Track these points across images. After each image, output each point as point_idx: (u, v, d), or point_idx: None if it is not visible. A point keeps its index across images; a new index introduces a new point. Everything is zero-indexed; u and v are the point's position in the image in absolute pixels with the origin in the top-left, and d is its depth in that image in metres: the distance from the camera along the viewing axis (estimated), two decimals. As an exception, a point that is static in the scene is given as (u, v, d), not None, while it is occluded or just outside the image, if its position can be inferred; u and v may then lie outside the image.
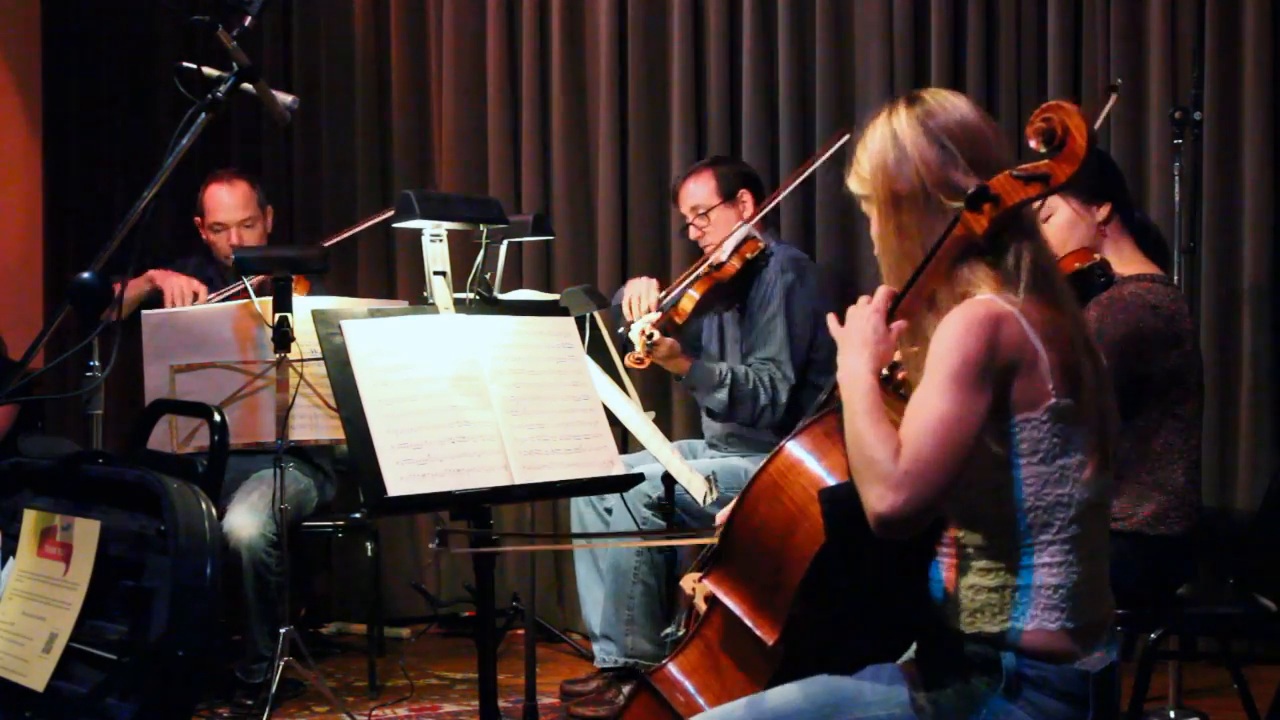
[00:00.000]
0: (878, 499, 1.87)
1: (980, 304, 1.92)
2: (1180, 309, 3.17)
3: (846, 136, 4.02)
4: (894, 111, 2.03)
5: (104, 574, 2.23)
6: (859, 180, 2.06)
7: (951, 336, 1.90)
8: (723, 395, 4.06)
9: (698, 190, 4.26)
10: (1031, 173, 1.92)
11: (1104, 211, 3.20)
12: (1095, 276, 3.10)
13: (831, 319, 2.09)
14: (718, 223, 4.23)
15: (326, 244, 4.36)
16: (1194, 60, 4.20)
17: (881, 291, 2.02)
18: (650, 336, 3.93)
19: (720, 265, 4.13)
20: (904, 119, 2.01)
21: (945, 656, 1.98)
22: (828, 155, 4.17)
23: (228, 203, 4.48)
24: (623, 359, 3.85)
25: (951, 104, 2.02)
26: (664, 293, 4.16)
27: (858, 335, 1.99)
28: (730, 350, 4.27)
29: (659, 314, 4.06)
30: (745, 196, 4.27)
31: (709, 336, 4.35)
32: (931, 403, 1.88)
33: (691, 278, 4.14)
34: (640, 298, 4.13)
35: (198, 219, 4.56)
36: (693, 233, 4.31)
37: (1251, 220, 4.25)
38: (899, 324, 2.00)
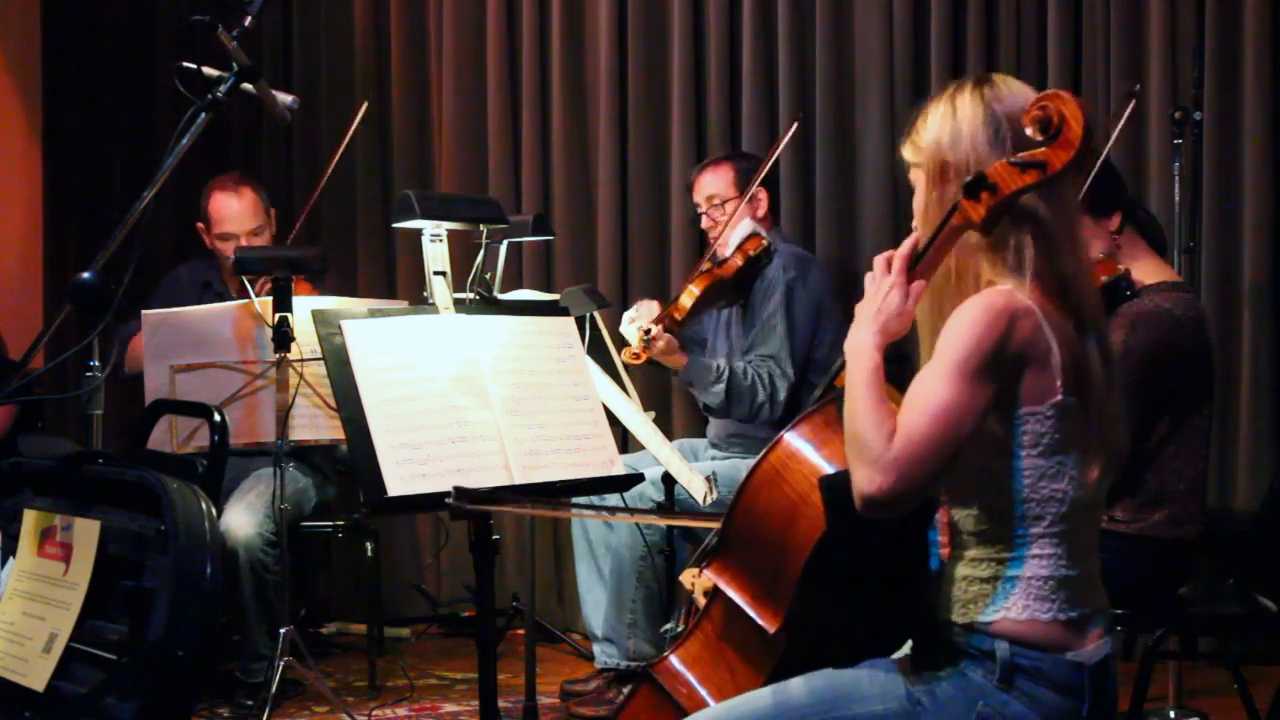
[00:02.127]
0: (866, 480, 1.88)
1: (1001, 294, 1.92)
2: (1201, 317, 3.19)
3: (796, 124, 4.29)
4: (961, 88, 2.03)
5: (104, 574, 2.24)
6: (914, 148, 2.06)
7: (965, 324, 1.90)
8: (719, 390, 4.04)
9: (715, 181, 4.27)
10: (1028, 160, 1.93)
11: (1115, 221, 3.20)
12: (1121, 289, 3.11)
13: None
14: (731, 216, 4.22)
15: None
16: (1194, 60, 4.19)
17: (899, 256, 1.99)
18: (647, 332, 3.92)
19: (723, 262, 4.11)
20: (968, 96, 2.01)
21: (940, 647, 1.99)
22: (786, 141, 4.30)
23: (236, 213, 4.32)
24: (620, 354, 3.85)
25: (1017, 90, 2.02)
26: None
27: (870, 306, 1.99)
28: (735, 347, 4.25)
29: (658, 310, 4.05)
30: (761, 194, 4.26)
31: (714, 334, 4.34)
32: (933, 389, 1.88)
33: (694, 274, 4.14)
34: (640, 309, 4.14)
35: (200, 225, 4.40)
36: (705, 222, 4.31)
37: (1251, 220, 4.24)
38: (917, 286, 1.99)
